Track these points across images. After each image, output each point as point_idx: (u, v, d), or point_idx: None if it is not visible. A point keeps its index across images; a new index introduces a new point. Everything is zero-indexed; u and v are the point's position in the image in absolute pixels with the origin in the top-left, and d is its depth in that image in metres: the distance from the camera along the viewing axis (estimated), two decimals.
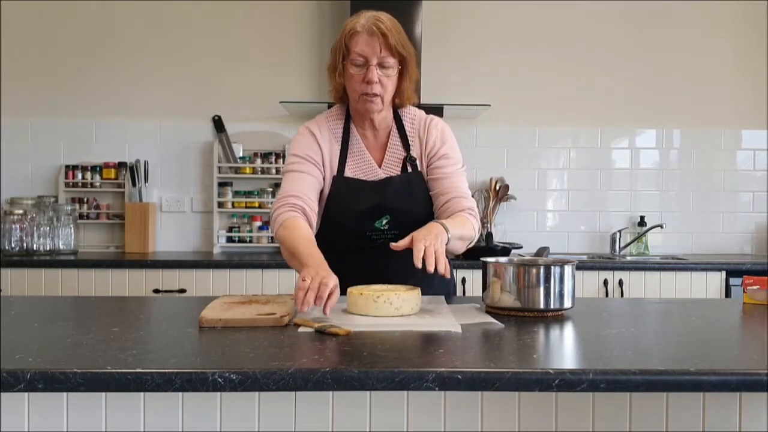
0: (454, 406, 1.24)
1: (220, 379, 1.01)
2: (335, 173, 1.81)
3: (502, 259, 1.66)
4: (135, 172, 3.58)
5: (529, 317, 1.51)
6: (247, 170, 3.63)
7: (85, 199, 3.64)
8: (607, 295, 3.14)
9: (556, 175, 3.78)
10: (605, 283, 3.15)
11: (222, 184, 3.63)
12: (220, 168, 3.62)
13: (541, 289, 1.51)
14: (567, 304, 1.53)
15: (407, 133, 1.86)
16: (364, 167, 1.83)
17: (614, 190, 3.79)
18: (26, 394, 1.20)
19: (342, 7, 3.59)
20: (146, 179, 3.62)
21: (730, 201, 3.79)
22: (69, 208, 3.51)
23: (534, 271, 1.52)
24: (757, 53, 3.76)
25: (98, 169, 3.63)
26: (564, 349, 1.31)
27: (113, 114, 3.68)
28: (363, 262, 1.77)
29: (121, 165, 3.64)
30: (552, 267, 1.52)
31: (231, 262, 3.15)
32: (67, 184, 3.62)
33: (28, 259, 3.18)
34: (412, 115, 1.89)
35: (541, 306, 1.51)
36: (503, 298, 1.54)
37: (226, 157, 3.64)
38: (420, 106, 1.95)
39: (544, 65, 3.74)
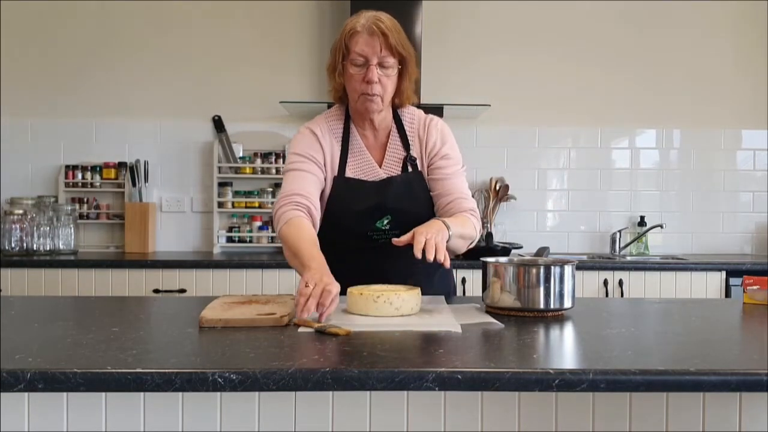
0: (454, 406, 1.24)
1: (220, 379, 1.01)
2: (336, 173, 1.81)
3: (502, 259, 1.66)
4: (135, 172, 3.58)
5: (529, 317, 1.51)
6: (247, 170, 3.63)
7: (85, 199, 3.64)
8: (607, 295, 3.14)
9: (556, 175, 3.78)
10: (605, 283, 3.15)
11: (222, 184, 3.63)
12: (220, 168, 3.62)
13: (541, 289, 1.51)
14: (567, 304, 1.54)
15: (407, 132, 1.86)
16: (364, 167, 1.83)
17: (614, 190, 3.79)
18: (26, 394, 1.20)
19: (342, 7, 3.59)
20: (146, 179, 3.62)
21: (730, 201, 3.79)
22: (69, 208, 3.51)
23: (534, 271, 1.52)
24: (757, 53, 3.76)
25: (98, 169, 3.63)
26: (564, 349, 1.31)
27: (113, 114, 3.68)
28: (364, 262, 1.78)
29: (121, 165, 3.64)
30: (552, 267, 1.52)
31: (231, 262, 3.15)
32: (67, 184, 3.62)
33: (28, 259, 3.18)
34: (411, 115, 1.89)
35: (541, 306, 1.51)
36: (503, 298, 1.54)
37: (226, 157, 3.64)
38: (420, 106, 1.95)
39: (544, 65, 3.74)
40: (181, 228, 3.70)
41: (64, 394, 1.20)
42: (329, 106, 2.01)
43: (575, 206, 3.78)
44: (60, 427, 1.21)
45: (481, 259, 1.63)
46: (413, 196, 1.81)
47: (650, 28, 3.76)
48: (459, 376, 1.03)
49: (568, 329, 1.42)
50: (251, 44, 3.70)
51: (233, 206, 3.64)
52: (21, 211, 3.40)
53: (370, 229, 1.79)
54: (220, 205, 3.62)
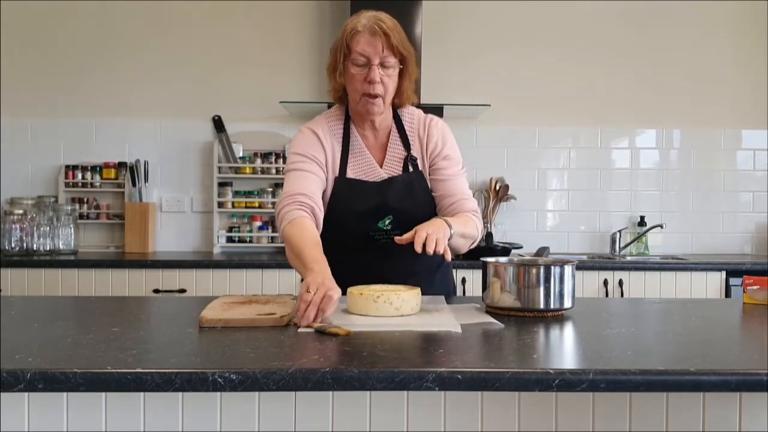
0: (454, 406, 1.24)
1: (220, 379, 1.01)
2: (337, 174, 1.81)
3: (502, 259, 1.66)
4: (135, 172, 3.58)
5: (529, 317, 1.51)
6: (247, 170, 3.63)
7: (85, 199, 3.64)
8: (607, 295, 3.14)
9: (556, 175, 3.78)
10: (605, 283, 3.15)
11: (222, 184, 3.63)
12: (220, 168, 3.62)
13: (541, 289, 1.51)
14: (567, 304, 1.54)
15: (407, 132, 1.86)
16: (365, 168, 1.82)
17: (614, 190, 3.79)
18: (26, 394, 1.20)
19: (342, 7, 3.59)
20: (146, 179, 3.62)
21: (730, 201, 3.80)
22: (69, 208, 3.51)
23: (534, 271, 1.52)
24: (757, 53, 3.76)
25: (98, 169, 3.63)
26: (564, 349, 1.31)
27: (113, 114, 3.68)
28: (365, 263, 1.78)
29: (121, 165, 3.64)
30: (552, 267, 1.52)
31: (231, 262, 3.15)
32: (67, 184, 3.62)
33: (28, 259, 3.18)
34: (411, 115, 1.89)
35: (541, 306, 1.51)
36: (503, 298, 1.54)
37: (226, 157, 3.64)
38: (420, 106, 1.95)
39: (544, 65, 3.74)
40: (181, 228, 3.70)
41: (64, 394, 1.20)
42: (329, 106, 2.01)
43: (575, 206, 3.78)
44: (60, 427, 1.21)
45: (481, 259, 1.63)
46: (414, 196, 1.81)
47: (650, 28, 3.76)
48: (459, 376, 1.03)
49: (568, 329, 1.42)
50: (251, 44, 3.70)
51: (233, 206, 3.64)
52: (21, 211, 3.41)
53: (372, 230, 1.79)
54: (220, 205, 3.62)
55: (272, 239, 3.64)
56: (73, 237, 3.48)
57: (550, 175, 3.78)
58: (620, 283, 3.15)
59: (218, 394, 1.22)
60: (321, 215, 1.75)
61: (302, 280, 1.50)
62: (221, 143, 3.64)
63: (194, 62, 3.69)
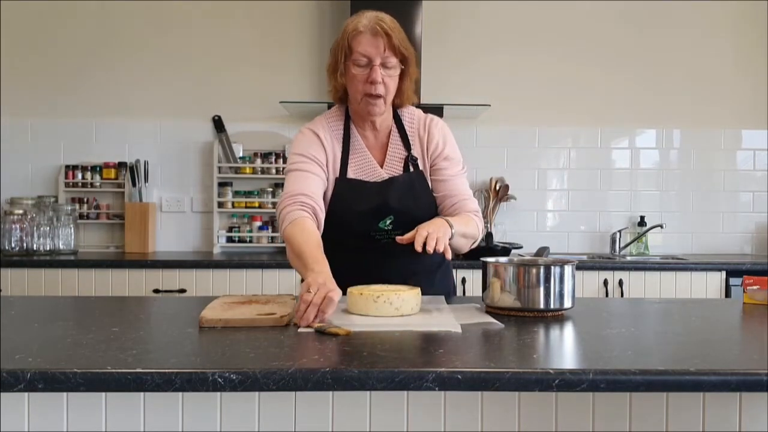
0: (454, 406, 1.24)
1: (220, 379, 1.01)
2: (338, 174, 1.81)
3: (502, 259, 1.66)
4: (135, 172, 3.58)
5: (529, 317, 1.51)
6: (247, 170, 3.63)
7: (85, 199, 3.64)
8: (607, 295, 3.14)
9: (556, 175, 3.78)
10: (605, 283, 3.15)
11: (222, 184, 3.63)
12: (220, 168, 3.62)
13: (541, 289, 1.51)
14: (567, 304, 1.54)
15: (407, 132, 1.86)
16: (366, 168, 1.82)
17: (614, 190, 3.79)
18: (26, 394, 1.20)
19: (342, 7, 3.59)
20: (146, 179, 3.62)
21: (730, 201, 3.80)
22: (69, 208, 3.51)
23: (534, 271, 1.52)
24: (757, 53, 3.76)
25: (98, 169, 3.63)
26: (564, 349, 1.31)
27: (113, 114, 3.68)
28: (367, 263, 1.78)
29: (121, 165, 3.64)
30: (552, 267, 1.52)
31: (231, 262, 3.15)
32: (67, 184, 3.62)
33: (28, 259, 3.18)
34: (411, 115, 1.89)
35: (541, 306, 1.51)
36: (503, 298, 1.54)
37: (226, 157, 3.64)
38: (420, 106, 1.95)
39: (544, 65, 3.74)
40: (181, 228, 3.70)
41: (64, 394, 1.20)
42: (329, 106, 2.01)
43: (575, 206, 3.78)
44: (60, 427, 1.21)
45: (481, 259, 1.63)
46: (416, 196, 1.82)
47: (650, 28, 3.76)
48: (459, 376, 1.03)
49: (568, 329, 1.42)
50: (251, 44, 3.70)
51: (233, 206, 3.64)
52: (21, 211, 3.41)
53: (373, 230, 1.79)
54: (220, 205, 3.62)
55: (272, 239, 3.64)
56: (73, 237, 3.48)
57: (550, 175, 3.78)
58: (620, 283, 3.15)
59: (218, 394, 1.22)
60: (322, 215, 1.75)
61: (302, 281, 1.50)
62: (221, 143, 3.64)
63: (194, 62, 3.69)
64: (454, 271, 2.13)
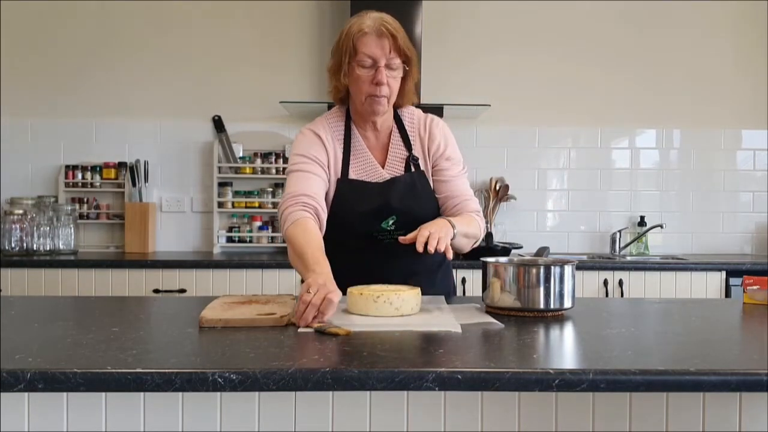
0: (454, 406, 1.24)
1: (220, 379, 1.01)
2: (339, 176, 1.81)
3: (502, 259, 1.66)
4: (135, 172, 3.58)
5: (529, 317, 1.51)
6: (247, 170, 3.63)
7: (85, 199, 3.64)
8: (607, 295, 3.14)
9: (556, 175, 3.78)
10: (605, 283, 3.15)
11: (222, 184, 3.63)
12: (220, 168, 3.62)
13: (541, 289, 1.51)
14: (567, 304, 1.54)
15: (408, 132, 1.86)
16: (367, 169, 1.82)
17: (614, 190, 3.79)
18: (26, 394, 1.20)
19: (342, 7, 3.59)
20: (146, 179, 3.62)
21: (730, 201, 3.80)
22: (69, 208, 3.51)
23: (534, 271, 1.52)
24: (757, 53, 3.76)
25: (98, 169, 3.63)
26: (564, 349, 1.31)
27: (113, 114, 3.68)
28: (369, 263, 1.78)
29: (121, 165, 3.64)
30: (552, 267, 1.52)
31: (231, 262, 3.15)
32: (67, 184, 3.62)
33: (28, 259, 3.18)
34: (411, 115, 1.89)
35: (541, 306, 1.51)
36: (503, 298, 1.54)
37: (226, 157, 3.64)
38: (420, 106, 1.96)
39: (544, 65, 3.74)
40: (181, 228, 3.70)
41: (64, 394, 1.20)
42: (329, 106, 2.01)
43: (575, 206, 3.78)
44: (60, 427, 1.21)
45: (481, 259, 1.63)
46: (418, 196, 1.82)
47: (650, 28, 3.76)
48: (459, 376, 1.03)
49: (568, 329, 1.42)
50: (251, 44, 3.70)
51: (233, 206, 3.64)
52: (21, 211, 3.41)
53: (376, 230, 1.79)
54: (220, 205, 3.62)
55: (272, 239, 3.64)
56: (73, 237, 3.48)
57: (550, 175, 3.78)
58: (620, 283, 3.15)
59: (218, 394, 1.22)
60: (324, 216, 1.74)
61: (303, 281, 1.50)
62: (221, 143, 3.64)
63: (194, 62, 3.69)
64: (454, 271, 2.13)
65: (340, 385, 1.03)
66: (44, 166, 3.66)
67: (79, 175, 3.62)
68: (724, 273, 3.18)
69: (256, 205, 3.63)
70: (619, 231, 3.69)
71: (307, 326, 1.35)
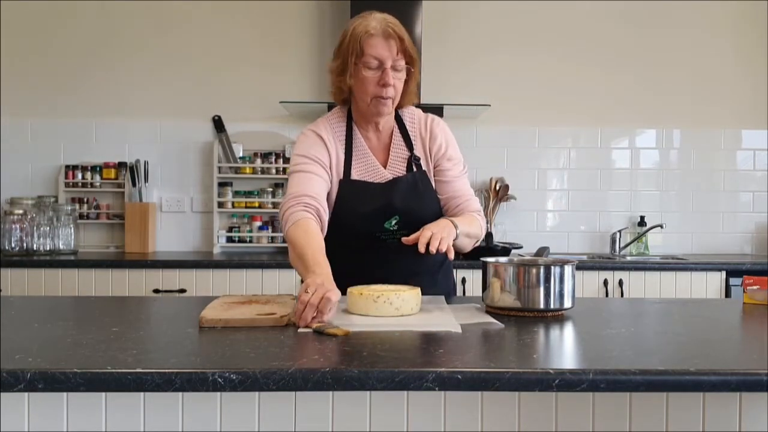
0: (454, 406, 1.24)
1: (220, 379, 1.01)
2: (341, 176, 1.81)
3: (502, 259, 1.66)
4: (135, 172, 3.58)
5: (529, 317, 1.51)
6: (247, 170, 3.63)
7: (85, 199, 3.64)
8: (607, 295, 3.14)
9: (556, 175, 3.78)
10: (605, 283, 3.15)
11: (222, 184, 3.63)
12: (220, 168, 3.62)
13: (541, 289, 1.51)
14: (567, 304, 1.54)
15: (409, 132, 1.86)
16: (369, 169, 1.83)
17: (614, 190, 3.79)
18: (26, 394, 1.20)
19: (342, 7, 3.59)
20: (146, 179, 3.62)
21: (730, 201, 3.80)
22: (69, 208, 3.51)
23: (534, 271, 1.52)
24: (757, 53, 3.76)
25: (98, 169, 3.63)
26: (564, 349, 1.31)
27: (113, 114, 3.68)
28: (372, 263, 1.78)
29: (121, 165, 3.64)
30: (552, 267, 1.52)
31: (231, 262, 3.15)
32: (67, 184, 3.62)
33: (28, 259, 3.18)
34: (411, 115, 1.90)
35: (541, 306, 1.51)
36: (503, 298, 1.54)
37: (226, 157, 3.64)
38: (420, 106, 1.96)
39: (544, 65, 3.74)
40: (181, 228, 3.70)
41: (64, 394, 1.20)
42: (329, 106, 2.02)
43: (575, 206, 3.78)
44: (60, 427, 1.21)
45: (481, 259, 1.63)
46: (420, 196, 1.82)
47: (650, 28, 3.76)
48: (459, 376, 1.03)
49: (568, 329, 1.42)
50: (251, 44, 3.70)
51: (233, 206, 3.64)
52: (21, 211, 3.41)
53: (379, 230, 1.80)
54: (220, 205, 3.62)
55: (272, 239, 3.64)
56: (73, 237, 3.48)
57: (550, 175, 3.78)
58: (620, 283, 3.15)
59: (218, 394, 1.22)
60: (326, 217, 1.74)
61: (303, 282, 1.50)
62: (221, 143, 3.64)
63: (194, 62, 3.69)
64: (454, 271, 2.13)
65: (340, 385, 1.03)
66: (44, 166, 3.66)
67: (79, 175, 3.62)
68: (724, 273, 3.18)
69: (256, 205, 3.63)
70: (619, 231, 3.69)
71: (307, 326, 1.35)
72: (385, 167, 1.83)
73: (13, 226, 3.38)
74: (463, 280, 3.09)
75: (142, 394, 1.21)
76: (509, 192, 3.68)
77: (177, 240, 3.69)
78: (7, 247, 3.37)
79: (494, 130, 3.74)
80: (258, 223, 3.65)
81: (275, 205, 3.60)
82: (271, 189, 3.63)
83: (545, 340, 1.32)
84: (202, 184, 3.69)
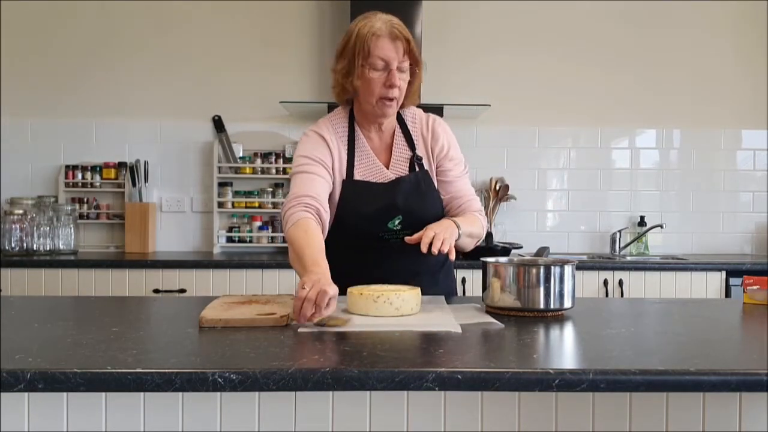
0: (454, 406, 1.24)
1: (220, 379, 1.01)
2: (344, 177, 1.81)
3: (502, 259, 1.66)
4: (135, 172, 3.58)
5: (529, 317, 1.51)
6: (247, 170, 3.63)
7: (85, 199, 3.65)
8: (607, 295, 3.14)
9: (556, 175, 3.78)
10: (605, 283, 3.15)
11: (222, 184, 3.63)
12: (220, 168, 3.62)
13: (541, 289, 1.51)
14: (567, 304, 1.54)
15: (411, 132, 1.87)
16: (372, 169, 1.83)
17: (614, 190, 3.79)
18: (26, 394, 1.20)
19: (342, 7, 3.59)
20: (146, 179, 3.62)
21: (730, 201, 3.80)
22: (69, 208, 3.51)
23: (534, 271, 1.52)
24: (757, 53, 3.76)
25: (98, 169, 3.63)
26: (564, 349, 1.31)
27: (113, 114, 3.68)
28: (375, 263, 1.78)
29: (121, 165, 3.64)
30: (552, 267, 1.52)
31: (231, 262, 3.15)
32: (67, 184, 3.62)
33: (28, 259, 3.18)
34: (413, 114, 1.90)
35: (541, 306, 1.51)
36: (503, 298, 1.54)
37: (226, 157, 3.64)
38: (420, 106, 1.97)
39: (544, 65, 3.74)
40: (181, 228, 3.70)
41: (64, 394, 1.20)
42: (329, 105, 2.01)
43: (575, 206, 3.78)
44: (60, 427, 1.21)
45: (481, 259, 1.63)
46: (423, 195, 1.82)
47: (650, 28, 3.76)
48: (459, 376, 1.03)
49: (568, 329, 1.42)
50: (251, 44, 3.70)
51: (233, 206, 3.64)
52: (21, 211, 3.41)
53: (382, 230, 1.80)
54: (220, 205, 3.62)
55: (272, 239, 3.64)
56: (73, 237, 3.48)
57: (550, 175, 3.78)
58: (620, 283, 3.15)
59: (218, 394, 1.22)
60: (327, 217, 1.74)
61: None
62: (221, 143, 3.65)
63: (194, 62, 3.69)
64: (454, 271, 2.13)
65: (340, 385, 1.03)
66: (44, 166, 3.66)
67: (79, 175, 3.62)
68: (724, 273, 3.18)
69: (256, 205, 3.63)
70: (619, 231, 3.69)
71: (308, 320, 1.35)
72: (387, 167, 1.84)
73: (13, 226, 3.38)
74: (463, 280, 3.09)
75: (142, 394, 1.21)
76: (509, 192, 3.68)
77: (177, 240, 3.69)
78: (7, 247, 3.37)
79: (494, 130, 3.74)
80: (258, 223, 3.65)
81: (275, 205, 3.60)
82: (271, 189, 3.63)
83: (545, 340, 1.32)
84: (202, 184, 3.69)
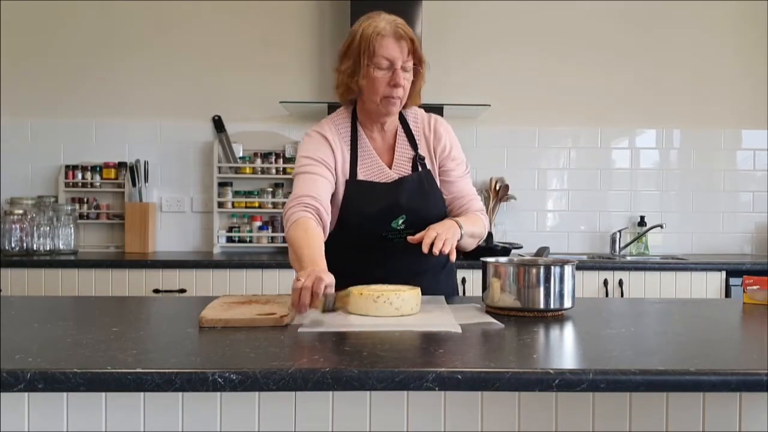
0: (454, 406, 1.24)
1: (220, 379, 1.01)
2: (347, 177, 1.81)
3: (502, 259, 1.66)
4: (135, 172, 3.58)
5: (529, 317, 1.51)
6: (247, 170, 3.63)
7: (85, 199, 3.65)
8: (607, 295, 3.14)
9: (556, 175, 3.78)
10: (605, 283, 3.15)
11: (222, 184, 3.63)
12: (220, 168, 3.62)
13: (541, 289, 1.51)
14: (567, 304, 1.54)
15: (413, 132, 1.87)
16: (375, 169, 1.83)
17: (614, 190, 3.79)
18: (26, 394, 1.20)
19: (342, 7, 3.59)
20: (146, 179, 3.62)
21: (730, 201, 3.80)
22: (69, 208, 3.51)
23: (534, 271, 1.52)
24: (757, 53, 3.76)
25: (98, 169, 3.63)
26: (564, 349, 1.31)
27: (113, 114, 3.68)
28: (378, 263, 1.79)
29: (121, 165, 3.64)
30: (552, 267, 1.52)
31: (231, 262, 3.15)
32: (67, 184, 3.62)
33: (28, 259, 3.18)
34: (414, 114, 1.90)
35: (541, 306, 1.51)
36: (503, 298, 1.54)
37: (226, 157, 3.64)
38: (420, 106, 1.96)
39: (544, 65, 3.74)
40: (181, 228, 3.70)
41: (64, 394, 1.20)
42: (329, 105, 2.01)
43: (575, 206, 3.78)
44: (60, 427, 1.21)
45: (481, 259, 1.63)
46: (426, 195, 1.83)
47: (650, 28, 3.76)
48: (459, 376, 1.03)
49: (568, 329, 1.42)
50: (251, 44, 3.70)
51: (233, 206, 3.64)
52: (21, 211, 3.41)
53: (386, 230, 1.80)
54: (220, 205, 3.62)
55: (272, 239, 3.64)
56: (73, 237, 3.48)
57: (550, 175, 3.78)
58: (620, 283, 3.15)
59: (218, 394, 1.22)
60: (328, 217, 1.74)
61: None
62: (221, 143, 3.64)
63: (194, 62, 3.69)
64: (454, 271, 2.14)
65: (340, 385, 1.03)
66: (44, 166, 3.66)
67: (79, 175, 3.62)
68: (724, 273, 3.18)
69: (256, 205, 3.63)
70: (619, 231, 3.69)
71: (308, 309, 1.37)
72: (390, 167, 1.84)
73: (13, 226, 3.38)
74: (463, 280, 3.09)
75: (142, 394, 1.21)
76: (509, 192, 3.68)
77: (177, 240, 3.69)
78: (7, 247, 3.37)
79: (494, 130, 3.74)
80: (258, 223, 3.65)
81: (275, 205, 3.60)
82: (271, 189, 3.63)
83: (545, 340, 1.32)
84: (202, 184, 3.69)
